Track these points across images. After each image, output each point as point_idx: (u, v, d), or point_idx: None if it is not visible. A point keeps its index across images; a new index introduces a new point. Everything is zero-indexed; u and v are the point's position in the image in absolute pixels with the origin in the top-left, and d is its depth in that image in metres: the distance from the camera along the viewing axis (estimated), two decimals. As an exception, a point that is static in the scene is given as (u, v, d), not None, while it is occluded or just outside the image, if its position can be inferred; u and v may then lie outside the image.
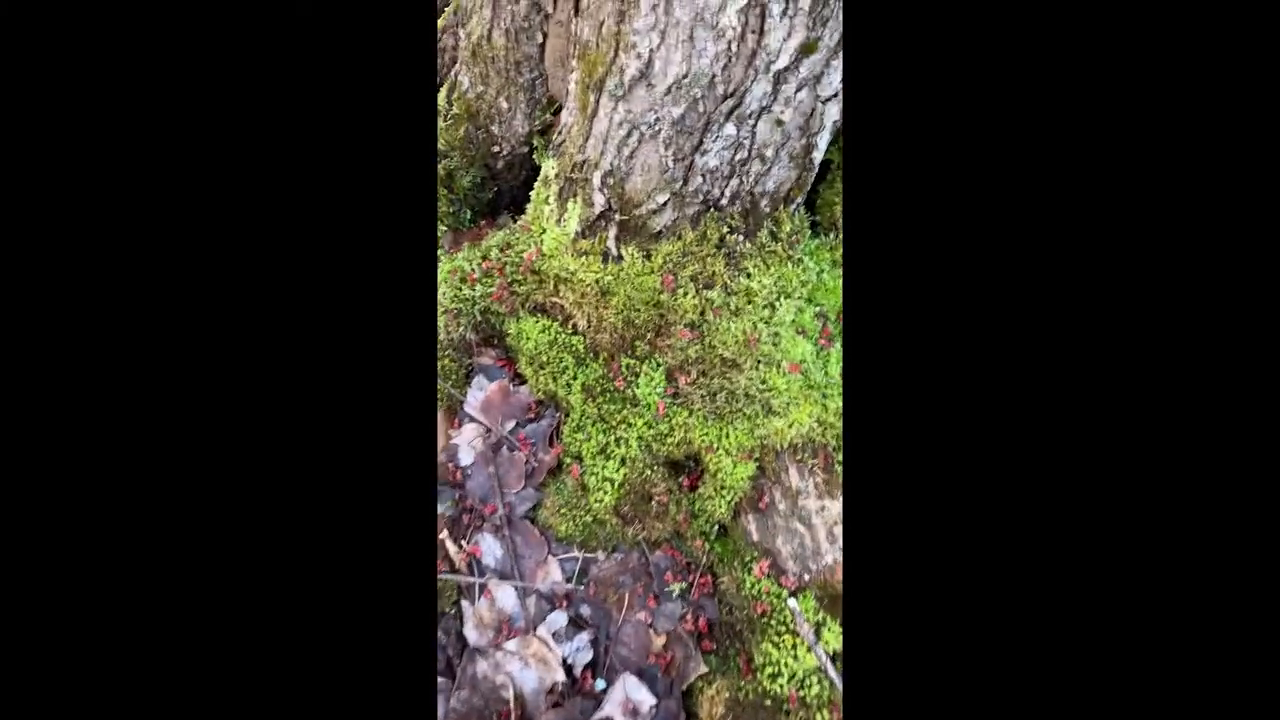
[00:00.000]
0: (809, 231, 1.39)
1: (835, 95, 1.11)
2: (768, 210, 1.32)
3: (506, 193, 1.74)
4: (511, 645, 1.43)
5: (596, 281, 1.45)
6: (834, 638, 1.32)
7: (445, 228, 1.82)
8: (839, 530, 1.37)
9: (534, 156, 1.61)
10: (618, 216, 1.33)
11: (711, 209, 1.30)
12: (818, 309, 1.39)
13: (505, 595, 1.49)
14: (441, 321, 1.58)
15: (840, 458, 1.40)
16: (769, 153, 1.19)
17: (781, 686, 1.30)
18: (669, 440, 1.43)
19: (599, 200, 1.33)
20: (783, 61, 1.03)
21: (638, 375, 1.47)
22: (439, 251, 1.73)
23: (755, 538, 1.42)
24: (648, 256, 1.38)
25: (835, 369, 1.35)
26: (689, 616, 1.45)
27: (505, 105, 1.57)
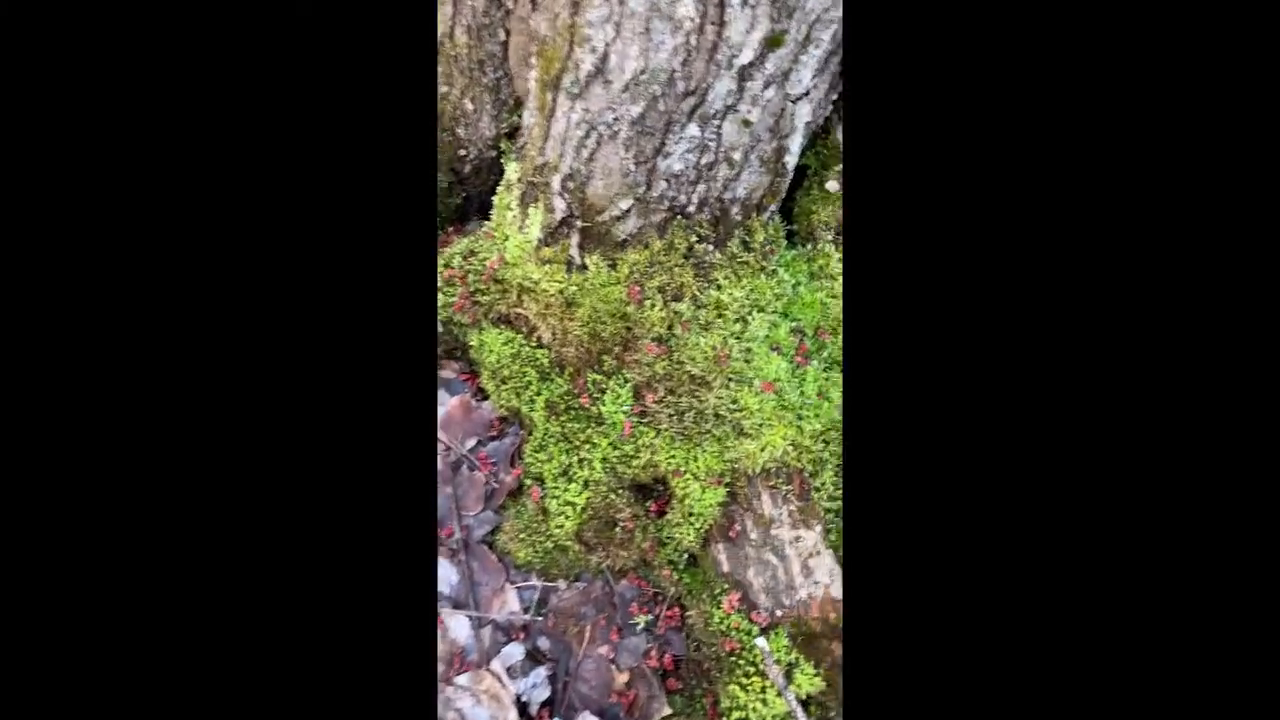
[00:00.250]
0: (784, 242, 1.30)
1: (806, 94, 1.02)
2: (739, 218, 1.23)
3: (475, 198, 1.66)
4: (463, 680, 1.33)
5: (560, 292, 1.36)
6: (807, 680, 1.22)
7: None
8: (814, 563, 1.27)
9: (501, 160, 1.53)
10: (580, 223, 1.25)
11: (679, 216, 1.21)
12: (794, 324, 1.30)
13: (458, 625, 1.40)
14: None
15: (817, 484, 1.31)
16: (737, 156, 1.10)
17: (749, 733, 1.20)
18: (634, 462, 1.34)
19: (560, 205, 1.25)
20: (746, 56, 0.95)
21: (604, 392, 1.39)
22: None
23: (726, 569, 1.32)
24: (613, 266, 1.30)
25: (811, 388, 1.26)
26: (654, 652, 1.35)
27: (470, 107, 1.49)
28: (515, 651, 1.38)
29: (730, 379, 1.27)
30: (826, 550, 1.27)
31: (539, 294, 1.39)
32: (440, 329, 1.52)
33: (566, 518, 1.38)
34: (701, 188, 1.16)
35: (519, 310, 1.46)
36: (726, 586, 1.31)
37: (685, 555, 1.38)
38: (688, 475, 1.30)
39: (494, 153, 1.56)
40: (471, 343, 1.49)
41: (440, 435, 1.53)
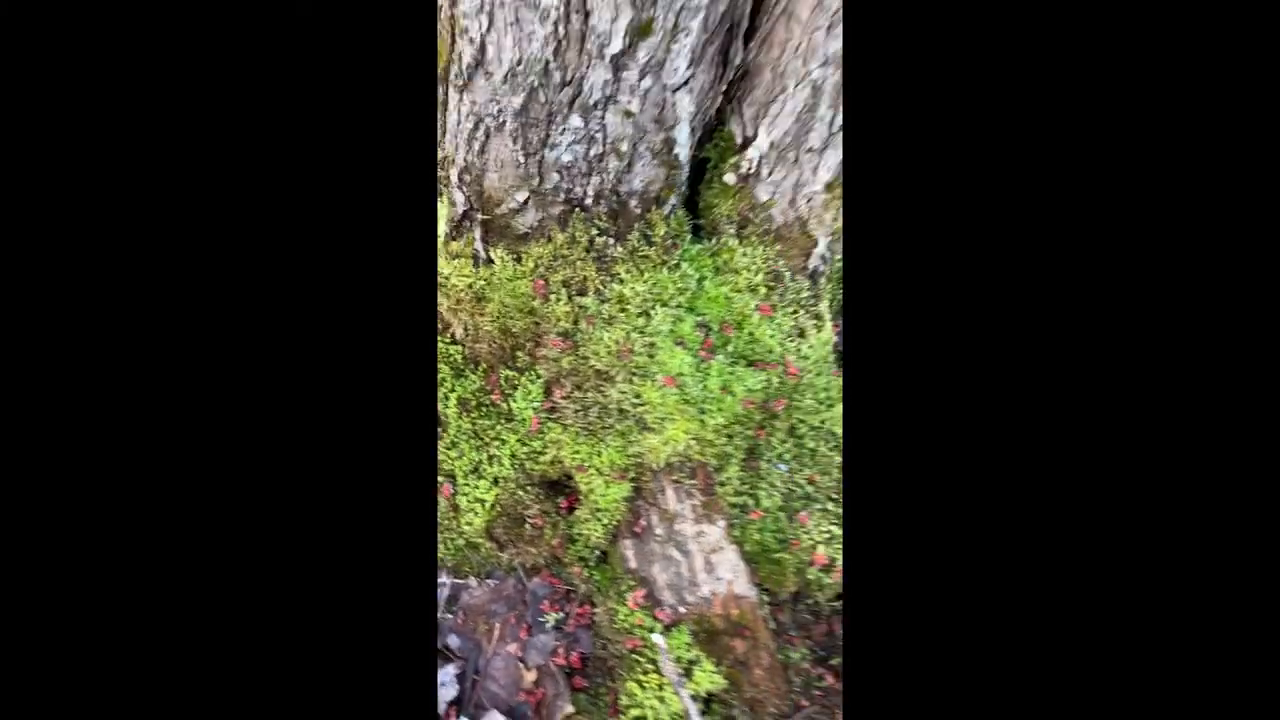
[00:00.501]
0: (689, 235, 1.29)
1: (685, 84, 1.01)
2: (638, 211, 1.22)
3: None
4: (369, 679, 1.32)
5: (469, 286, 1.35)
6: (706, 678, 1.20)
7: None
8: (717, 559, 1.26)
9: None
10: (480, 216, 1.24)
11: (577, 209, 1.20)
12: (699, 318, 1.29)
13: (369, 623, 1.39)
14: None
15: (721, 478, 1.30)
16: (624, 147, 1.09)
17: (646, 731, 1.19)
18: (542, 458, 1.33)
19: (459, 199, 1.24)
20: (616, 45, 0.94)
21: (516, 387, 1.38)
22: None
23: (632, 564, 1.31)
24: (518, 260, 1.29)
25: (715, 382, 1.25)
26: (562, 650, 1.34)
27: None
28: (424, 649, 1.37)
29: (633, 373, 1.26)
30: (730, 546, 1.26)
31: (449, 289, 1.38)
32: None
33: (476, 514, 1.36)
34: (595, 179, 1.15)
35: (433, 306, 1.45)
36: (632, 583, 1.30)
37: (596, 552, 1.37)
38: (592, 470, 1.29)
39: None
40: (388, 339, 1.49)
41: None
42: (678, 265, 1.27)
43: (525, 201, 1.19)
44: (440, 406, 1.44)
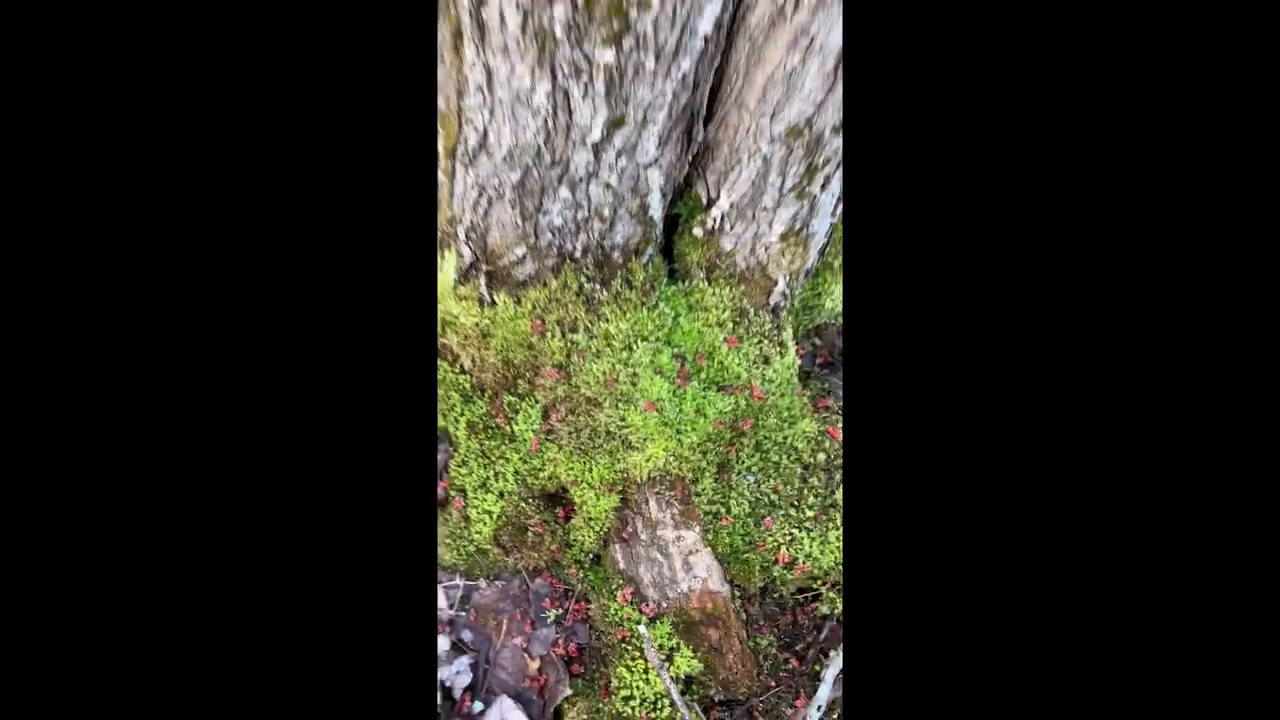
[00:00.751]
0: (665, 279, 1.49)
1: (655, 162, 1.21)
2: (620, 261, 1.41)
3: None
4: (394, 669, 1.51)
5: (476, 324, 1.55)
6: (685, 662, 1.40)
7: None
8: (694, 559, 1.45)
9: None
10: (485, 267, 1.44)
11: (568, 260, 1.40)
12: (675, 350, 1.48)
13: (392, 621, 1.58)
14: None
15: (697, 489, 1.49)
16: (606, 212, 1.29)
17: (634, 709, 1.38)
18: (541, 474, 1.53)
19: (466, 253, 1.43)
20: (595, 135, 1.13)
21: (517, 412, 1.57)
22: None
23: (621, 566, 1.50)
24: (518, 302, 1.48)
25: (690, 406, 1.44)
26: (561, 641, 1.53)
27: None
28: (441, 643, 1.56)
29: (619, 400, 1.45)
30: (705, 548, 1.45)
31: (458, 326, 1.57)
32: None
33: (485, 524, 1.56)
34: (583, 237, 1.35)
35: (443, 341, 1.64)
36: (621, 582, 1.49)
37: (589, 555, 1.56)
38: (584, 485, 1.48)
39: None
40: (404, 370, 1.68)
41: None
42: (655, 305, 1.47)
43: (523, 255, 1.38)
44: (451, 429, 1.63)
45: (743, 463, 1.51)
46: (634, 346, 1.46)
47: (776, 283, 1.48)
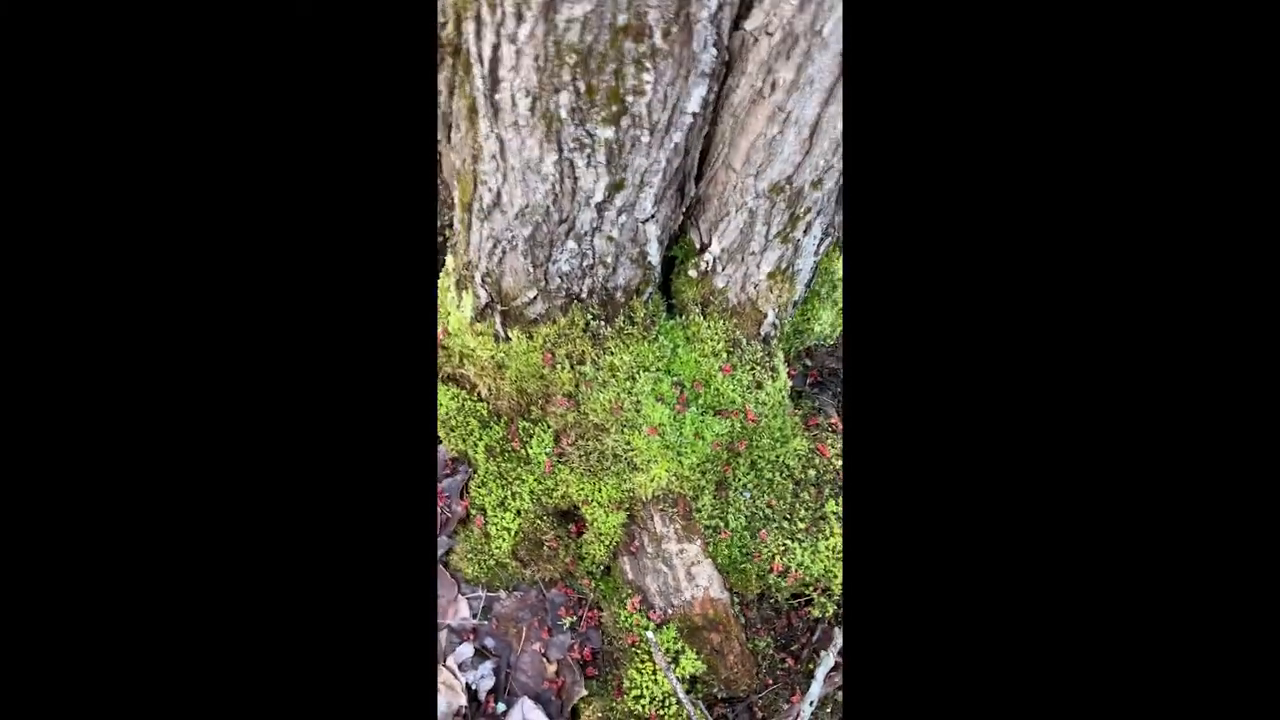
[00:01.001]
0: (664, 314, 1.62)
1: (652, 217, 1.34)
2: (622, 300, 1.55)
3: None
4: (424, 674, 1.66)
5: (492, 357, 1.69)
6: (689, 663, 1.53)
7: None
8: (696, 570, 1.59)
9: (443, 249, 1.86)
10: (500, 307, 1.57)
11: (576, 300, 1.54)
12: (675, 379, 1.62)
13: (421, 630, 1.73)
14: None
15: (697, 506, 1.63)
16: (609, 259, 1.42)
17: (644, 707, 1.52)
18: (554, 494, 1.67)
19: (483, 294, 1.57)
20: (598, 196, 1.27)
21: (531, 437, 1.71)
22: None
23: (630, 577, 1.64)
24: (530, 337, 1.62)
25: (689, 430, 1.58)
26: (576, 646, 1.67)
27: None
28: (466, 650, 1.70)
29: (624, 425, 1.59)
30: (705, 559, 1.59)
31: (476, 359, 1.71)
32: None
33: (504, 540, 1.70)
34: (588, 281, 1.48)
35: (461, 371, 1.78)
36: (630, 591, 1.63)
37: (600, 567, 1.70)
38: (594, 503, 1.62)
39: (440, 239, 1.89)
40: (426, 398, 1.82)
41: (404, 474, 1.86)
42: (656, 339, 1.60)
43: (534, 297, 1.52)
44: (471, 452, 1.78)
45: (739, 480, 1.65)
46: (637, 376, 1.59)
47: (766, 315, 1.61)
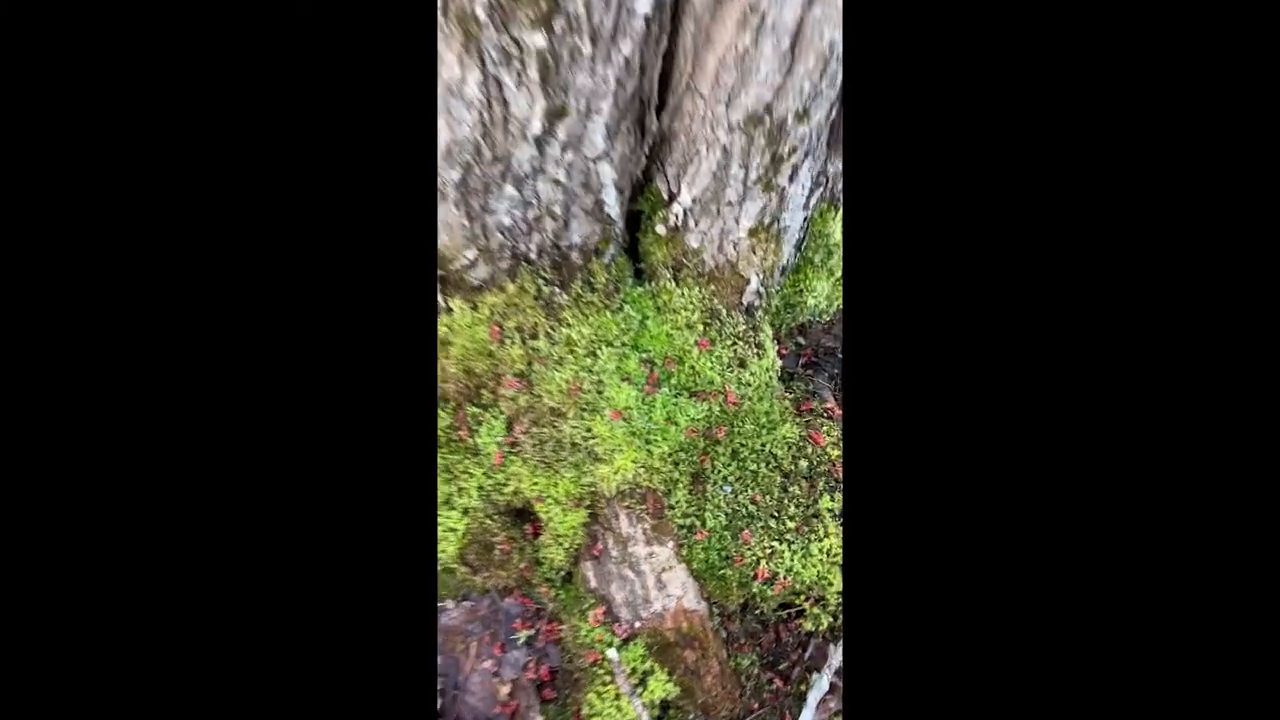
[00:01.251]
0: (630, 280, 1.40)
1: (604, 155, 1.12)
2: (579, 262, 1.33)
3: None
4: (357, 697, 1.44)
5: (434, 333, 1.47)
6: (660, 686, 1.31)
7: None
8: (667, 576, 1.37)
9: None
10: (438, 271, 1.35)
11: (523, 262, 1.31)
12: (643, 355, 1.39)
13: (356, 646, 1.51)
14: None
15: (670, 502, 1.40)
16: (558, 210, 1.20)
17: (606, 737, 1.30)
18: (505, 490, 1.44)
19: (417, 257, 1.35)
20: (536, 127, 1.04)
21: (480, 424, 1.49)
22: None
23: (593, 585, 1.42)
24: (474, 308, 1.40)
25: (660, 414, 1.36)
26: (532, 665, 1.45)
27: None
28: (407, 669, 1.48)
29: (583, 409, 1.37)
30: (679, 564, 1.37)
31: (417, 335, 1.49)
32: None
33: (449, 542, 1.48)
34: (536, 237, 1.26)
35: (403, 350, 1.56)
36: (593, 601, 1.40)
37: (560, 573, 1.48)
38: (549, 500, 1.40)
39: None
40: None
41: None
42: (620, 308, 1.38)
43: (475, 259, 1.30)
44: (414, 443, 1.56)
45: (718, 472, 1.43)
46: (598, 352, 1.37)
47: (749, 281, 1.39)
